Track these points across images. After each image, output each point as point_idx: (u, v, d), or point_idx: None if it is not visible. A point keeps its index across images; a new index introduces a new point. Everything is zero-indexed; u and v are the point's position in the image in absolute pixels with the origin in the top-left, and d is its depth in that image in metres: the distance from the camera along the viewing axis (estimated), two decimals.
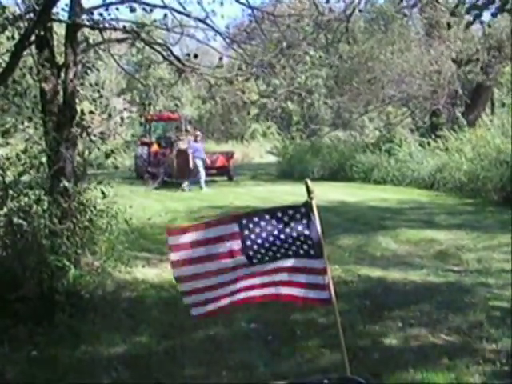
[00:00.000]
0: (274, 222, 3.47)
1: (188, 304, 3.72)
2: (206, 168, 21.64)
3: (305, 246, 3.50)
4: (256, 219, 3.49)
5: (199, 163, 19.60)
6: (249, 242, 3.48)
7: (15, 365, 4.97)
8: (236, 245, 3.49)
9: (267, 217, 3.49)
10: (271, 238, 3.49)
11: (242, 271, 3.55)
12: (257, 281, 3.60)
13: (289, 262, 3.55)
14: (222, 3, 8.73)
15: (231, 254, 3.52)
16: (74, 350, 5.27)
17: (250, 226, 3.48)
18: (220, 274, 3.56)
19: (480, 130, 16.66)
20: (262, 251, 3.50)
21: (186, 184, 19.15)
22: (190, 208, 14.08)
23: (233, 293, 3.60)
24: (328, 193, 14.88)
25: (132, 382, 4.67)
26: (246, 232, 3.48)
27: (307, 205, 3.50)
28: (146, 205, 13.72)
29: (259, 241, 3.48)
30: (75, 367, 4.92)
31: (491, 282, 6.98)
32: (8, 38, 6.97)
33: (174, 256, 3.58)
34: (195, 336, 5.52)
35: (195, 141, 20.39)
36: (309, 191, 3.50)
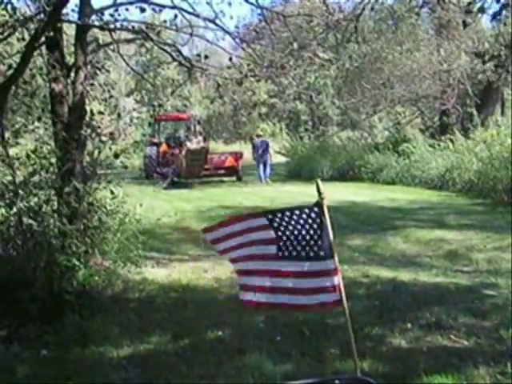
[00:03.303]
0: (295, 217, 3.58)
1: (240, 285, 3.89)
2: (215, 168, 21.78)
3: (316, 247, 3.53)
4: (279, 215, 3.63)
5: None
6: (280, 233, 3.62)
7: (25, 364, 4.99)
8: (268, 235, 3.64)
9: (288, 213, 3.60)
10: (292, 236, 3.60)
11: (271, 263, 3.64)
12: (282, 283, 3.65)
13: (304, 263, 3.59)
14: (230, 3, 8.75)
15: (265, 242, 3.66)
16: (84, 349, 5.28)
17: (276, 219, 3.62)
18: (256, 260, 3.70)
19: (490, 129, 16.60)
20: (288, 243, 3.63)
21: (265, 179, 20.98)
22: (199, 208, 14.10)
23: (266, 289, 3.67)
24: (337, 193, 14.85)
25: (141, 382, 4.68)
26: (275, 224, 3.62)
27: (318, 205, 3.51)
28: (155, 205, 13.73)
29: (287, 232, 3.61)
30: (85, 367, 4.94)
31: (501, 282, 6.95)
32: (18, 39, 7.02)
33: (219, 247, 3.82)
34: (204, 336, 5.52)
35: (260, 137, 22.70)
36: (319, 192, 3.49)
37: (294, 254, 3.60)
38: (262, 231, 3.64)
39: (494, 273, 7.43)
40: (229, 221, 3.88)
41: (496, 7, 5.98)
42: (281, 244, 3.62)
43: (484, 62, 19.05)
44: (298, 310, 3.77)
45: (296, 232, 3.57)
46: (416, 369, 4.48)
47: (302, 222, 3.56)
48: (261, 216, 3.67)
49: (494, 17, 6.04)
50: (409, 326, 5.49)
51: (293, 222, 3.57)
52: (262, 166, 21.66)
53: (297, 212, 3.58)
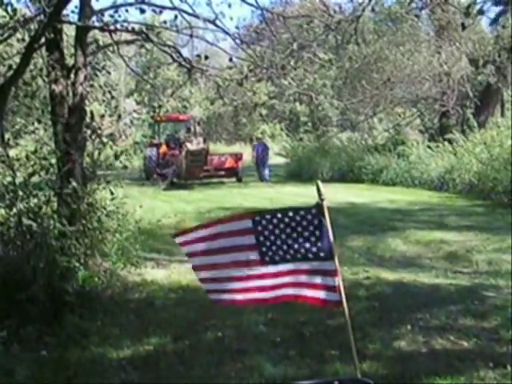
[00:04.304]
0: (286, 220, 3.49)
1: (206, 290, 3.79)
2: (215, 169, 21.83)
3: (315, 248, 3.49)
4: (269, 217, 3.53)
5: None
6: (262, 239, 3.52)
7: (24, 365, 4.97)
8: (249, 240, 3.54)
9: (279, 215, 3.52)
10: (283, 236, 3.51)
11: (254, 270, 3.57)
12: (268, 282, 3.59)
13: (299, 264, 3.54)
14: (229, 5, 8.72)
15: (244, 248, 3.57)
16: (83, 350, 5.27)
17: (264, 222, 3.52)
18: (233, 267, 3.61)
19: (490, 131, 16.61)
20: (274, 249, 3.53)
21: (265, 178, 22.47)
22: (199, 209, 14.09)
23: (245, 290, 3.61)
24: (337, 194, 14.86)
25: (141, 383, 4.67)
26: (260, 228, 3.51)
27: (318, 206, 3.49)
28: (155, 206, 13.74)
29: (272, 237, 3.51)
30: (84, 368, 4.93)
31: (501, 283, 6.94)
32: (18, 40, 7.02)
33: (187, 249, 3.69)
34: (204, 337, 5.52)
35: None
36: (320, 193, 3.48)
37: (289, 256, 3.53)
38: (243, 236, 3.52)
39: (494, 274, 7.42)
40: (207, 224, 3.72)
41: (495, 10, 5.98)
42: (263, 250, 3.51)
43: (477, 68, 19.11)
44: (298, 299, 3.69)
45: (290, 232, 3.50)
46: (416, 370, 4.47)
47: (294, 224, 3.47)
48: (246, 218, 3.55)
49: (494, 21, 6.05)
50: (409, 327, 5.48)
51: (281, 225, 3.47)
52: (261, 168, 22.84)
53: (290, 214, 3.49)
